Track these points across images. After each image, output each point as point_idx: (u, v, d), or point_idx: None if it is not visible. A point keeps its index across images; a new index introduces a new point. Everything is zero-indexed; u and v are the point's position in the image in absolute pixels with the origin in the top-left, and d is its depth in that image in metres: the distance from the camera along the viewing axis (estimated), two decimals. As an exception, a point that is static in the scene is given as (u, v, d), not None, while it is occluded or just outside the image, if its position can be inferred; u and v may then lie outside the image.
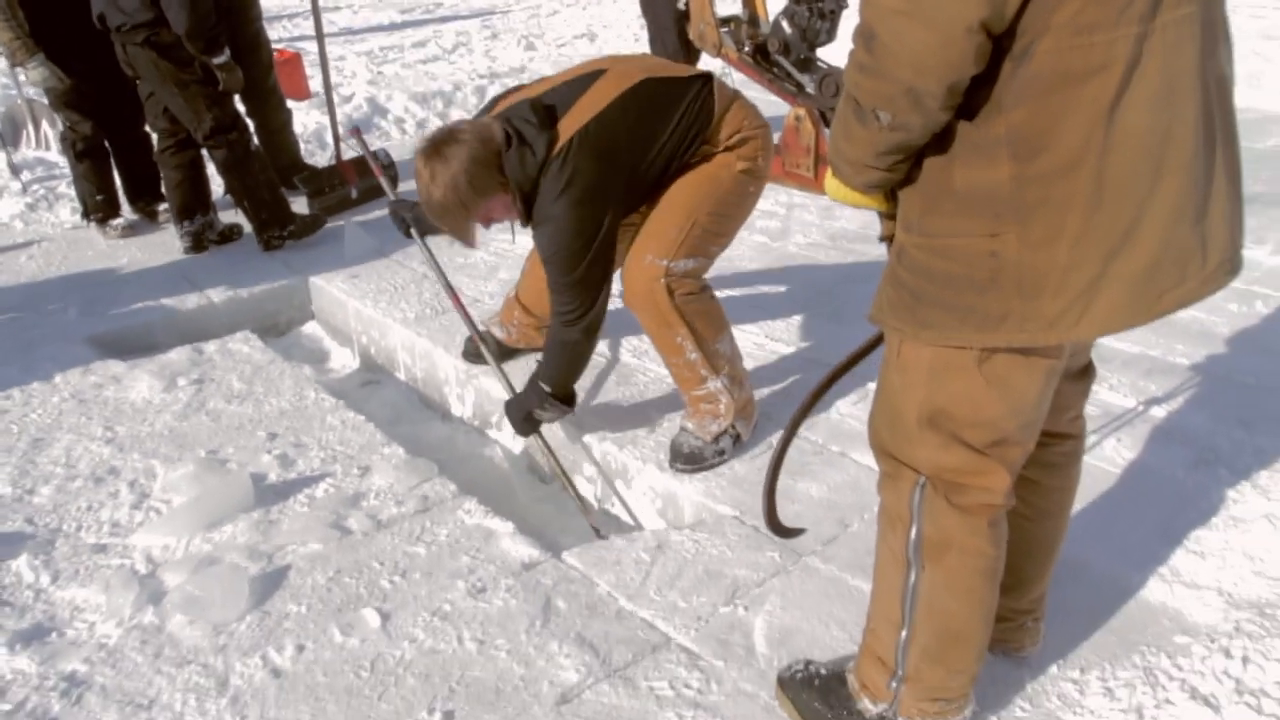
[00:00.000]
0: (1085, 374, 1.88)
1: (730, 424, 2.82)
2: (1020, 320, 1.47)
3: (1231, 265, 1.51)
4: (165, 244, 4.91)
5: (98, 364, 3.68)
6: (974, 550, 1.71)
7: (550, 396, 2.80)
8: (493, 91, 7.48)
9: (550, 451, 3.01)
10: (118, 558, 2.59)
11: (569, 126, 2.54)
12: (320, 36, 5.36)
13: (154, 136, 4.81)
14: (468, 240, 2.73)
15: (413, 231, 3.29)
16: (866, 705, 1.89)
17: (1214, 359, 3.30)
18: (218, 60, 4.33)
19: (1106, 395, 3.09)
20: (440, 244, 4.30)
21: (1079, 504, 2.49)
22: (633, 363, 3.45)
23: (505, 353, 3.46)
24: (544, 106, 2.60)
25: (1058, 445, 1.88)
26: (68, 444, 3.14)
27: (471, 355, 3.55)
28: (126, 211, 5.19)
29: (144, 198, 5.23)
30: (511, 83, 7.20)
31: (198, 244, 4.79)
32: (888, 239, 1.69)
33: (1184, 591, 2.26)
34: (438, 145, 2.55)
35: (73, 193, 5.31)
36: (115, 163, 5.12)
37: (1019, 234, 1.43)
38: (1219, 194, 1.45)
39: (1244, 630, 2.10)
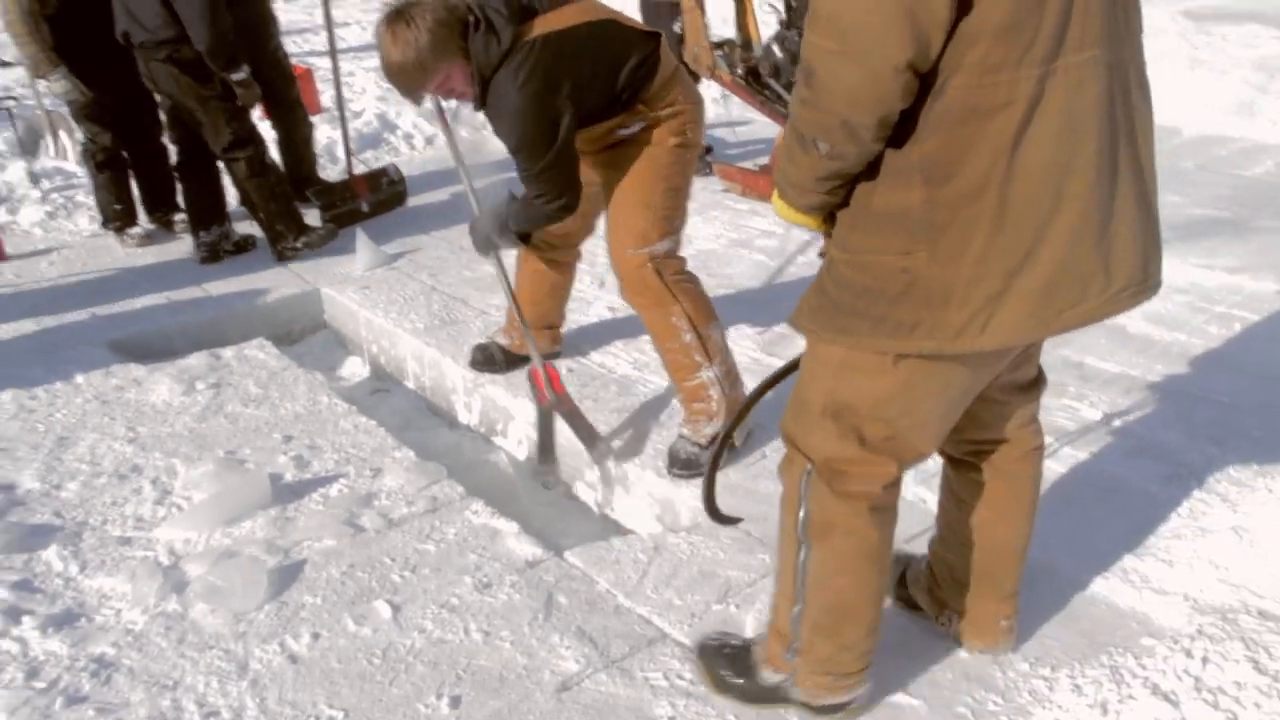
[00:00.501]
0: (1034, 386, 2.02)
1: (723, 426, 2.96)
2: (929, 329, 1.61)
3: (1140, 288, 1.64)
4: (182, 253, 5.06)
5: (118, 367, 3.83)
6: (857, 532, 1.87)
7: (512, 232, 3.01)
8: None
9: (504, 274, 3.26)
10: (142, 549, 2.72)
11: (537, 28, 2.67)
12: (334, 52, 5.52)
13: (172, 149, 4.98)
14: (416, 100, 2.86)
15: (490, 253, 3.26)
16: (768, 675, 2.06)
17: (1191, 379, 3.44)
18: (236, 76, 4.50)
19: (1086, 412, 3.23)
20: (448, 261, 4.47)
21: (1055, 513, 2.65)
22: (633, 375, 3.59)
23: (511, 360, 3.60)
24: (518, 4, 2.71)
25: (1012, 452, 2.04)
26: (92, 442, 3.28)
27: (479, 364, 3.69)
28: (143, 221, 5.35)
29: (161, 208, 5.38)
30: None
31: (214, 254, 4.94)
32: (826, 255, 1.86)
33: (1152, 597, 2.39)
34: (400, 10, 2.67)
35: (91, 202, 5.47)
36: (134, 174, 5.27)
37: (929, 251, 1.58)
38: (1124, 221, 1.59)
39: (1206, 633, 2.23)
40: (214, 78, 4.49)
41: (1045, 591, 2.42)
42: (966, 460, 2.08)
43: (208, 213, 4.94)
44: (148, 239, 5.25)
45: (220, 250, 4.98)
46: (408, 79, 2.71)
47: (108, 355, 3.94)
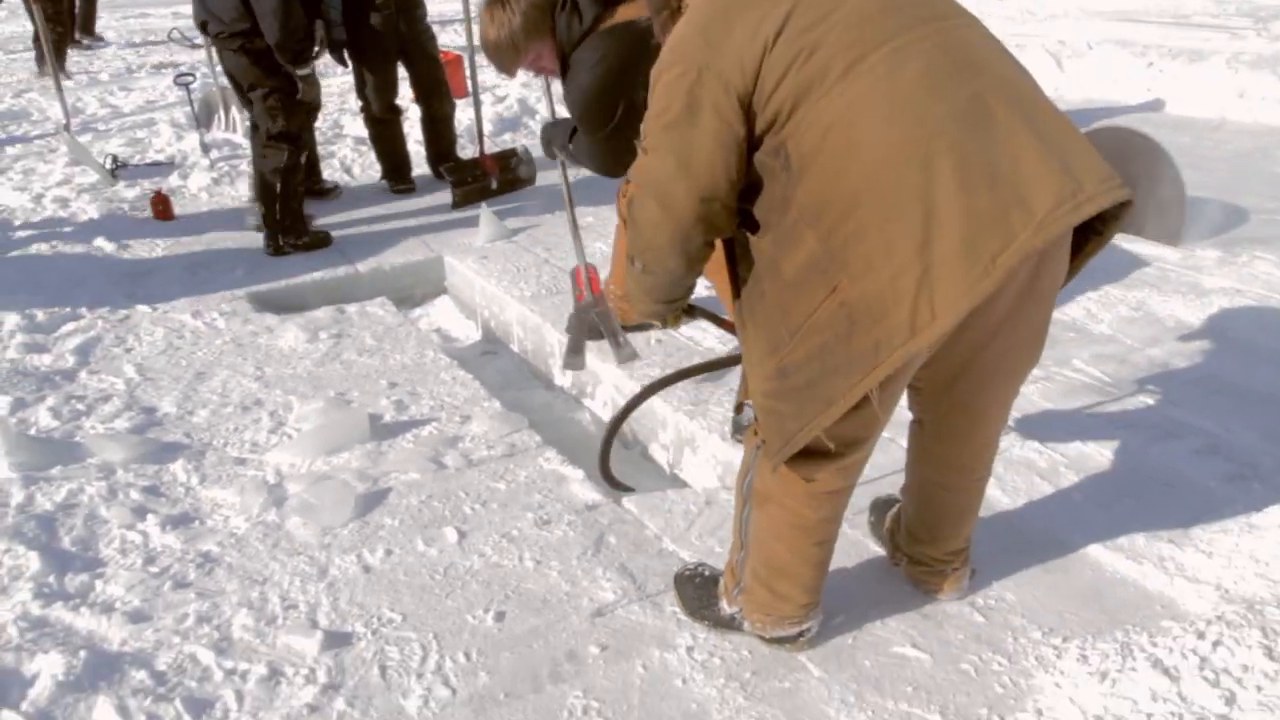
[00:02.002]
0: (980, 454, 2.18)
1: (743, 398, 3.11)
2: (888, 340, 1.64)
3: (1079, 199, 1.60)
4: (322, 221, 5.49)
5: (255, 316, 4.25)
6: (790, 509, 2.01)
7: (570, 154, 3.23)
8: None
9: (568, 186, 3.57)
10: (253, 470, 3.07)
11: (621, 14, 2.87)
12: (470, 40, 5.87)
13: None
14: (510, 74, 3.12)
15: (554, 151, 3.51)
16: (724, 606, 2.26)
17: (1283, 385, 3.37)
18: (302, 71, 4.74)
19: (1165, 409, 3.21)
20: (564, 238, 4.72)
21: (1106, 505, 2.72)
22: (719, 349, 3.75)
23: (602, 331, 3.81)
24: None
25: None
26: (224, 378, 3.68)
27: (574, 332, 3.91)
28: None
29: (308, 180, 5.84)
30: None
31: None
32: (739, 404, 2.02)
33: (1183, 584, 2.41)
34: None
35: (252, 170, 5.97)
36: None
37: (847, 276, 1.65)
38: (1023, 153, 1.60)
39: (1225, 619, 2.25)
40: (280, 70, 4.72)
41: (1076, 573, 2.48)
42: (921, 422, 2.20)
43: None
44: None
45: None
46: (502, 56, 2.98)
47: (247, 306, 4.36)
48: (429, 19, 5.86)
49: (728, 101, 1.72)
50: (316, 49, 4.89)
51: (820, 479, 1.96)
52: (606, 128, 2.90)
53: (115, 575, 2.57)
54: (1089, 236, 1.83)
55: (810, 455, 1.90)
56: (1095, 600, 2.39)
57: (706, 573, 2.41)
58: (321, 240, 5.15)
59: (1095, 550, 2.55)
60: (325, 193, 5.93)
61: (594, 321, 3.62)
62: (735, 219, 1.86)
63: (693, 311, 2.21)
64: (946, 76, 1.66)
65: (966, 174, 1.59)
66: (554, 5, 2.91)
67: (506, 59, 2.99)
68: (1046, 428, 3.11)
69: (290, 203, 5.01)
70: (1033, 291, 1.82)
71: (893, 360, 1.65)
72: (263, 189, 4.99)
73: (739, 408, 2.09)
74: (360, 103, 5.93)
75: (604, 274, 3.89)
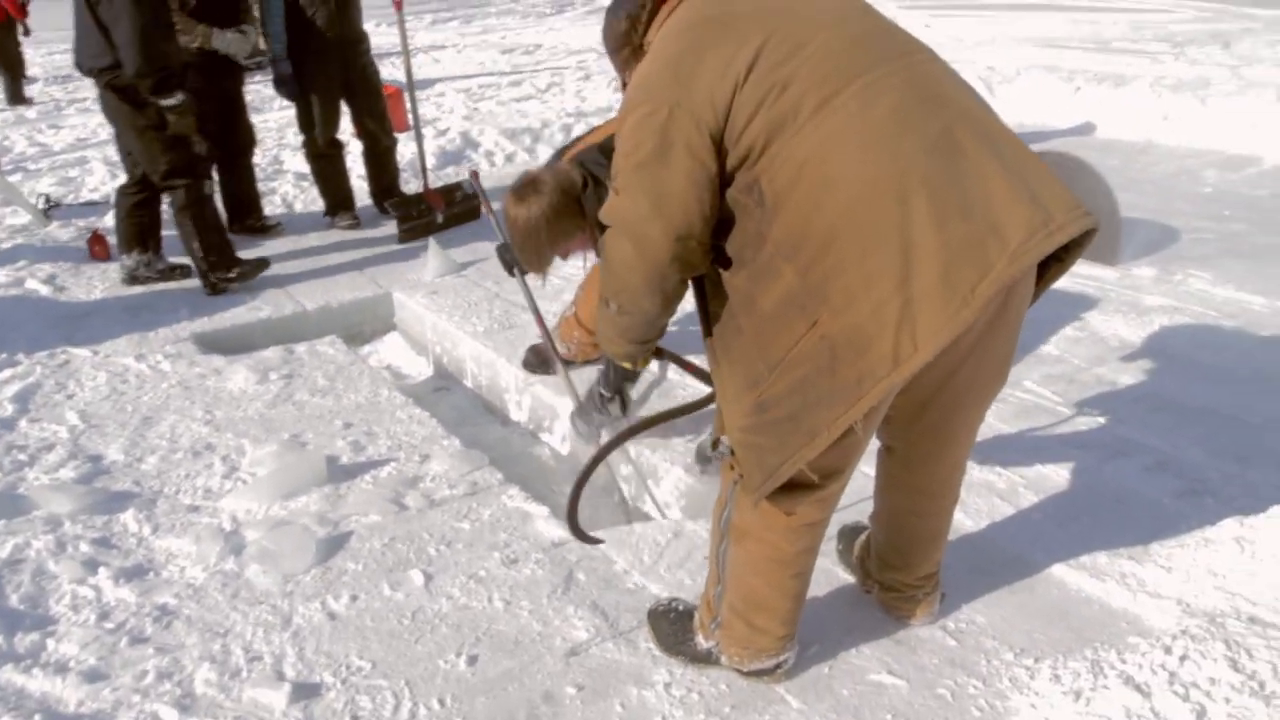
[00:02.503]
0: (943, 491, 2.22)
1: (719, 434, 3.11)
2: (872, 372, 1.66)
3: (1051, 229, 1.63)
4: (265, 257, 5.40)
5: (201, 358, 4.16)
6: (769, 543, 2.02)
7: (604, 397, 3.11)
8: (579, 130, 7.93)
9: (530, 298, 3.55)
10: (208, 516, 2.99)
11: None
12: (409, 73, 5.85)
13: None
14: (540, 272, 3.08)
15: (515, 271, 3.63)
16: (700, 640, 2.25)
17: (1226, 399, 3.46)
18: (167, 102, 4.45)
19: (1112, 428, 3.29)
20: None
21: (1064, 523, 2.77)
22: (674, 379, 3.76)
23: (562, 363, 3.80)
24: (611, 149, 2.95)
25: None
26: (173, 422, 3.59)
27: (531, 365, 3.90)
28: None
29: (241, 219, 5.76)
30: (597, 122, 7.64)
31: (133, 278, 5.03)
32: (717, 439, 2.04)
33: (1146, 599, 2.46)
34: (523, 192, 2.88)
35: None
36: (220, 186, 5.59)
37: (828, 310, 1.67)
38: (992, 185, 1.64)
39: (1190, 633, 2.29)
40: (150, 105, 4.46)
41: (1041, 593, 2.52)
42: (890, 449, 2.21)
43: (137, 238, 5.01)
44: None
45: (140, 276, 5.03)
46: (529, 255, 2.95)
47: (193, 348, 4.27)
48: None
49: (700, 139, 1.74)
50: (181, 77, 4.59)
51: (800, 511, 1.97)
52: None
53: (68, 633, 2.48)
54: (1050, 263, 1.87)
55: (790, 488, 1.91)
56: (1062, 619, 2.43)
57: (681, 608, 2.40)
58: (258, 267, 4.99)
59: (1059, 569, 2.60)
60: (267, 229, 5.85)
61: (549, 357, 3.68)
62: (709, 256, 1.87)
63: (660, 353, 2.21)
64: (916, 111, 1.70)
65: (941, 207, 1.62)
66: (577, 198, 2.87)
67: (534, 257, 2.95)
68: (1003, 449, 3.17)
69: (208, 237, 4.80)
70: (1001, 318, 1.85)
71: (876, 392, 1.67)
72: (179, 231, 4.81)
73: (714, 443, 2.08)
74: (303, 137, 5.86)
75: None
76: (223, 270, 4.86)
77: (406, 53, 5.89)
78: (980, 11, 17.38)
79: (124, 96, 4.50)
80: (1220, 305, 4.32)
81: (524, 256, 2.98)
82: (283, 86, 5.63)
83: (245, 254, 5.47)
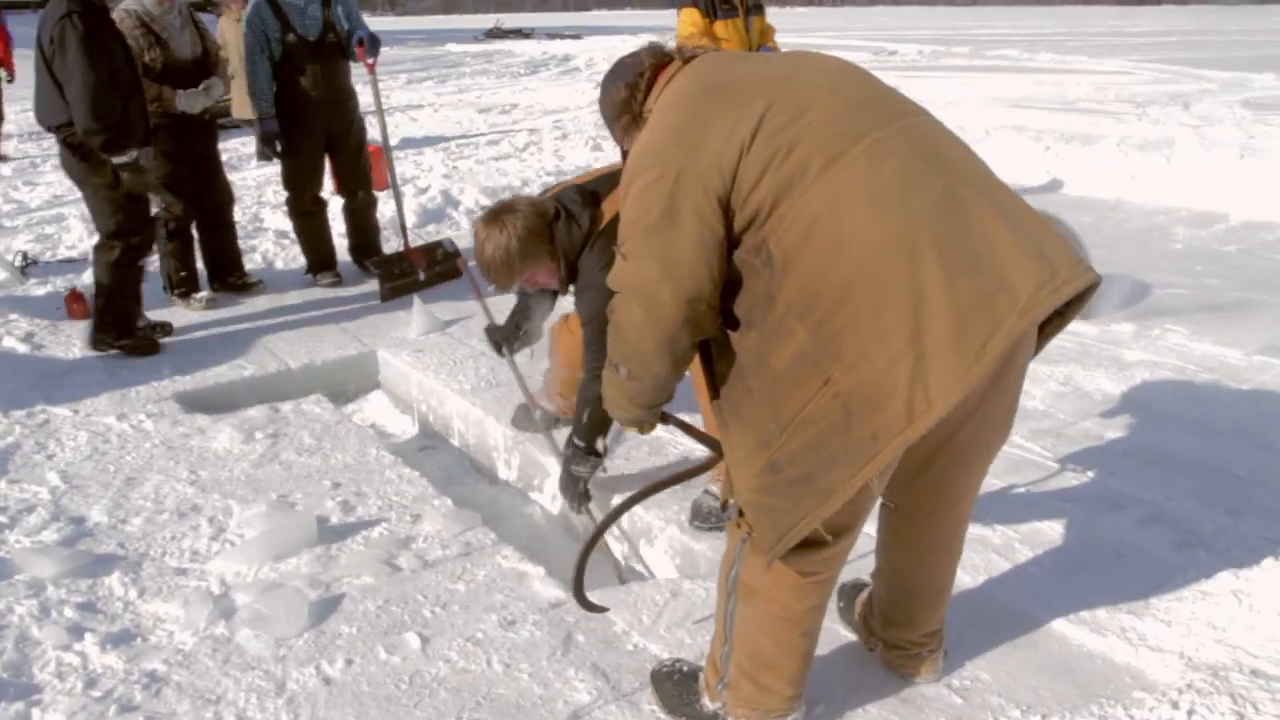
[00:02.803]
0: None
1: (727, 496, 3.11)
2: (886, 429, 1.66)
3: (1057, 283, 1.66)
4: (247, 315, 5.38)
5: (185, 417, 4.10)
6: (778, 602, 2.01)
7: (579, 450, 3.13)
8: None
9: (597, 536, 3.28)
10: (196, 579, 2.93)
11: (610, 208, 2.94)
12: (384, 134, 5.90)
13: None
14: (506, 288, 3.17)
15: (504, 350, 3.71)
16: (706, 703, 2.23)
17: (1213, 452, 3.50)
18: (118, 160, 4.44)
19: (1105, 480, 3.31)
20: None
21: (1063, 578, 2.77)
22: (665, 437, 3.75)
23: (550, 421, 3.78)
24: (589, 191, 3.03)
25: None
26: (157, 483, 3.53)
27: (521, 423, 3.89)
28: (205, 288, 5.68)
29: (223, 277, 5.73)
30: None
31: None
32: (724, 502, 2.05)
33: (1148, 654, 2.46)
34: (497, 214, 2.98)
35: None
36: (200, 245, 5.61)
37: (840, 367, 1.69)
38: (999, 242, 1.68)
39: (1195, 687, 2.30)
40: (105, 164, 4.46)
41: (1044, 648, 2.51)
42: (893, 505, 2.21)
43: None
44: (213, 302, 5.58)
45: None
46: (496, 274, 3.00)
47: (175, 407, 4.21)
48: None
49: (707, 203, 1.77)
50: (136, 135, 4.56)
51: (810, 569, 1.96)
52: None
53: (54, 702, 2.41)
54: (1051, 318, 1.90)
55: (800, 546, 1.89)
56: (1065, 674, 2.42)
57: (684, 669, 2.37)
58: (146, 348, 4.83)
59: (1059, 624, 2.59)
60: (249, 287, 5.82)
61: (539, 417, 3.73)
62: (719, 318, 1.88)
63: (665, 418, 2.21)
64: (921, 170, 1.73)
65: (950, 263, 1.65)
66: (550, 223, 2.96)
67: (501, 278, 3.01)
68: (996, 504, 3.18)
69: (118, 303, 4.75)
70: (1006, 373, 1.87)
71: (891, 448, 1.67)
72: (95, 282, 4.77)
73: (724, 505, 2.07)
74: (287, 194, 5.87)
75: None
76: (112, 336, 4.78)
77: (381, 113, 5.93)
78: (947, 73, 17.80)
79: (79, 153, 4.51)
80: (1199, 359, 4.39)
81: (491, 274, 3.02)
82: (267, 145, 5.65)
83: (226, 310, 5.48)
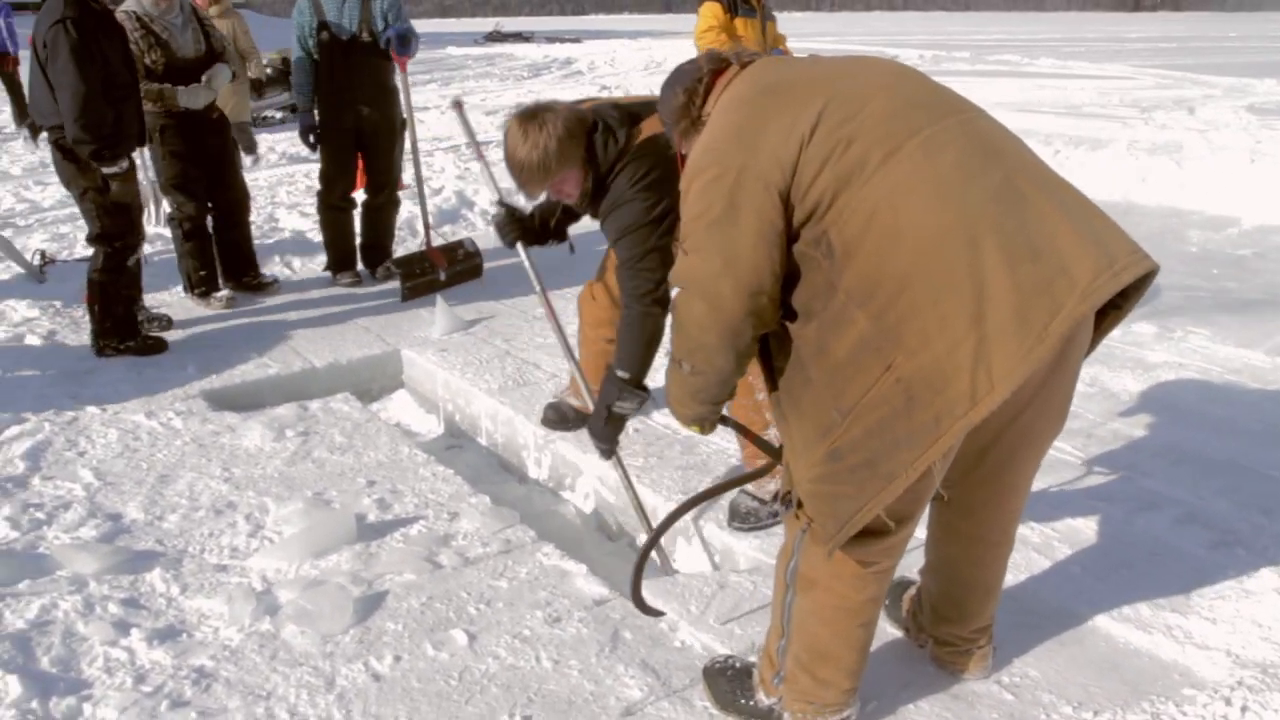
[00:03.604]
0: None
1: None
2: (949, 411, 1.69)
3: (1116, 270, 1.70)
4: (268, 314, 5.38)
5: (213, 415, 4.10)
6: (837, 593, 2.02)
7: (627, 384, 3.01)
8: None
9: (630, 485, 3.22)
10: (237, 576, 2.93)
11: (648, 128, 2.93)
12: (413, 132, 5.88)
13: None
14: (534, 195, 3.06)
15: (515, 238, 3.56)
16: (761, 698, 2.24)
17: (1243, 452, 3.52)
18: (108, 170, 4.43)
19: (1139, 480, 3.33)
20: (521, 328, 4.70)
21: (1103, 576, 2.78)
22: (697, 435, 3.75)
23: (582, 418, 3.78)
24: (627, 110, 3.01)
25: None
26: (190, 480, 3.53)
27: (551, 422, 3.89)
28: (224, 286, 5.68)
29: (238, 277, 5.73)
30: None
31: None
32: (785, 494, 2.07)
33: (1195, 651, 2.48)
34: (535, 112, 2.89)
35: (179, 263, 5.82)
36: (216, 244, 5.61)
37: (903, 352, 1.71)
38: (1057, 229, 1.71)
39: (1246, 684, 2.31)
40: (94, 168, 4.43)
41: (1090, 645, 2.52)
42: (946, 498, 2.21)
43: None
44: (233, 301, 5.58)
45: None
46: (529, 176, 2.89)
47: (203, 405, 4.21)
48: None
49: (768, 198, 1.80)
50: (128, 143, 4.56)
51: (870, 558, 1.97)
52: (654, 236, 2.90)
53: (105, 697, 2.41)
54: (1107, 311, 1.92)
55: (861, 535, 1.91)
56: (1114, 671, 2.43)
57: (737, 664, 2.37)
58: (152, 348, 4.83)
59: (1103, 621, 2.61)
60: (264, 287, 5.81)
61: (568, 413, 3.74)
62: (779, 311, 1.89)
63: (725, 420, 2.22)
64: (977, 162, 1.77)
65: (1010, 250, 1.68)
66: (588, 131, 2.92)
67: (533, 180, 2.91)
68: (1032, 504, 3.15)
69: (114, 308, 4.73)
70: (1063, 363, 1.89)
71: (955, 430, 1.70)
72: (88, 288, 4.75)
73: (784, 498, 2.08)
74: (320, 187, 5.87)
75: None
76: (115, 339, 4.77)
77: (410, 112, 5.92)
78: (950, 78, 17.78)
79: (69, 155, 4.48)
80: (1223, 360, 4.41)
81: (523, 176, 2.91)
82: (303, 138, 5.73)
83: (246, 309, 5.48)
